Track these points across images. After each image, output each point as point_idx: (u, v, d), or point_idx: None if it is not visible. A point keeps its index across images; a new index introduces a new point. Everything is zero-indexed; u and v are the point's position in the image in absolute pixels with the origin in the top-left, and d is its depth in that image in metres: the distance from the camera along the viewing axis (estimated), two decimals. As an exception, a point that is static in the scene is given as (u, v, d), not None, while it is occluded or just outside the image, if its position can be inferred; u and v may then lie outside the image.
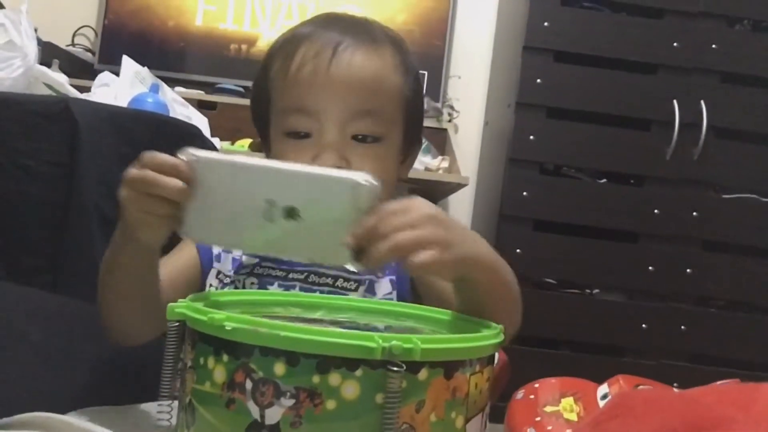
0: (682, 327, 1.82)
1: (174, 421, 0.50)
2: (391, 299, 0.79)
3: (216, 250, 0.82)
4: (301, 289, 0.77)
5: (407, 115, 0.81)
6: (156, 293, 0.71)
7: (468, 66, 2.26)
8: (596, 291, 1.87)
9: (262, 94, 0.82)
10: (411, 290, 0.80)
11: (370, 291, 0.79)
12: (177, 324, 0.49)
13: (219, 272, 0.80)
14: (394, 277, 0.80)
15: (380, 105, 0.78)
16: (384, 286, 0.80)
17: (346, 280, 0.78)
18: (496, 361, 1.24)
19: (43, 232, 0.94)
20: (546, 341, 1.80)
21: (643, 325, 1.82)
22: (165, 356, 0.50)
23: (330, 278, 0.78)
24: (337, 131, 0.76)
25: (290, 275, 0.77)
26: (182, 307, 0.49)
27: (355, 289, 0.78)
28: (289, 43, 0.80)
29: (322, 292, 0.77)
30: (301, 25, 0.82)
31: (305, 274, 0.78)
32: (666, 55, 1.84)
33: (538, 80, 1.82)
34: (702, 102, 1.81)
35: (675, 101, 1.81)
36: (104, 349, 0.81)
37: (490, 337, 0.50)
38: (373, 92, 0.77)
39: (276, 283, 0.77)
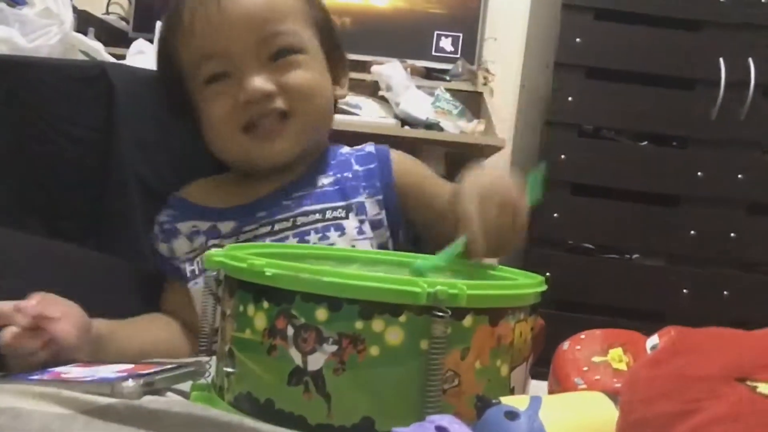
0: (725, 293, 1.78)
1: (213, 372, 0.50)
2: (381, 219, 0.78)
3: (163, 249, 0.82)
4: (295, 236, 0.75)
5: (322, 38, 0.81)
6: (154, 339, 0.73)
7: (504, 27, 2.21)
8: (636, 256, 1.84)
9: (174, 78, 0.81)
10: (400, 206, 0.80)
11: (362, 212, 0.78)
12: (214, 273, 0.49)
13: (187, 252, 0.80)
14: (381, 197, 0.79)
15: (285, 25, 0.77)
16: (372, 206, 0.79)
17: (334, 209, 0.77)
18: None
19: (83, 196, 0.95)
20: (584, 306, 1.78)
21: (684, 291, 1.78)
22: (203, 307, 0.50)
23: (318, 213, 0.77)
24: (256, 62, 0.75)
25: (276, 226, 0.76)
26: (220, 256, 0.48)
27: (346, 216, 0.77)
28: (176, 6, 0.79)
29: (316, 230, 0.75)
30: None
31: (291, 219, 0.76)
32: (712, 10, 1.76)
33: (578, 39, 1.76)
34: (750, 59, 1.74)
35: (721, 59, 1.74)
36: (146, 304, 0.82)
37: (534, 285, 0.49)
38: (272, 14, 0.76)
39: (267, 240, 0.76)
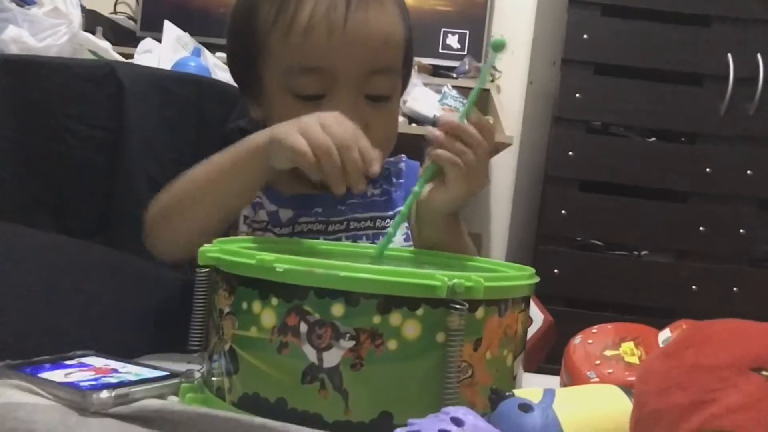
0: (735, 289, 1.77)
1: (205, 372, 0.48)
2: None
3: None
4: (347, 238, 0.76)
5: (405, 61, 0.80)
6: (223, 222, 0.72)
7: (511, 24, 2.20)
8: (644, 252, 1.83)
9: (248, 42, 0.76)
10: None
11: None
12: (207, 270, 0.47)
13: (246, 217, 0.77)
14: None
15: (392, 61, 0.76)
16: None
17: (383, 218, 0.78)
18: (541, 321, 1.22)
19: (92, 195, 0.95)
20: (592, 303, 1.77)
21: (693, 287, 1.78)
22: (194, 305, 0.48)
23: (368, 221, 0.78)
24: (353, 92, 0.73)
25: (330, 227, 0.77)
26: (215, 251, 0.46)
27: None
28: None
29: (367, 236, 0.76)
30: None
31: (345, 222, 0.77)
32: (720, 6, 1.76)
33: (585, 36, 1.76)
34: (758, 55, 1.73)
35: (729, 55, 1.74)
36: (154, 301, 0.82)
37: (534, 276, 0.50)
38: (386, 49, 0.75)
39: (320, 238, 0.76)
